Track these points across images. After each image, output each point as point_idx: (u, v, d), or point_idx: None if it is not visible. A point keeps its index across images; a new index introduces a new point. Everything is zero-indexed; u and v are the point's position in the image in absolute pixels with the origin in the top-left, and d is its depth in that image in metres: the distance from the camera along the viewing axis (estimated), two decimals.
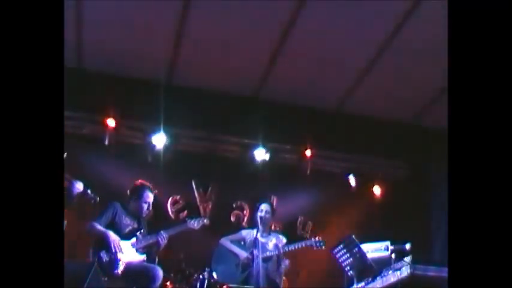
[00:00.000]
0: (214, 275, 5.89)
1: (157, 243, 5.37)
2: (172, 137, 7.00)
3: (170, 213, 7.17)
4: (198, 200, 7.31)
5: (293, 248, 5.90)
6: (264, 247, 5.94)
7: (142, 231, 5.44)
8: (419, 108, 7.34)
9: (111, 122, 6.76)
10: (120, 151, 6.89)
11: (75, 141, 6.20)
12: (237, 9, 5.83)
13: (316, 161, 7.55)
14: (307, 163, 7.48)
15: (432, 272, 4.33)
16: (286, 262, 5.99)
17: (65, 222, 4.05)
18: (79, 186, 4.87)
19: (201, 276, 5.82)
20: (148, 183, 5.64)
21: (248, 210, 7.32)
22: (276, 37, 6.22)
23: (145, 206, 5.55)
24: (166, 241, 5.37)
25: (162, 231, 5.40)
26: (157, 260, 5.48)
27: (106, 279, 4.99)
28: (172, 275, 5.77)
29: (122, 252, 5.18)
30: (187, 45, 6.37)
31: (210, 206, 7.31)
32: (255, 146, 7.21)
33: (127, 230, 5.38)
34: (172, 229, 5.54)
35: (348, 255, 4.97)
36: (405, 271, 4.34)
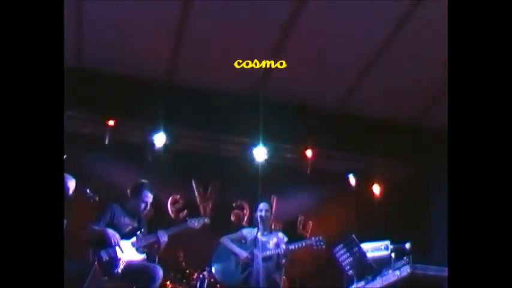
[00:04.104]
0: (214, 274, 5.90)
1: (157, 242, 5.35)
2: (172, 136, 7.01)
3: (170, 212, 7.18)
4: (198, 199, 7.32)
5: (293, 248, 5.89)
6: (265, 246, 5.93)
7: (142, 230, 5.42)
8: (419, 108, 7.33)
9: (111, 122, 6.77)
10: (120, 151, 6.89)
11: (75, 141, 6.19)
12: (237, 9, 5.83)
13: (316, 161, 7.54)
14: (307, 163, 7.48)
15: (432, 271, 4.33)
16: (286, 261, 5.98)
17: (65, 222, 4.04)
18: (72, 183, 4.86)
19: (201, 276, 5.83)
20: (147, 183, 5.63)
21: (248, 210, 7.32)
22: (276, 37, 6.22)
23: (142, 205, 5.50)
24: (166, 239, 5.35)
25: (160, 230, 5.38)
26: (157, 259, 5.47)
27: (106, 278, 4.99)
28: (172, 274, 5.77)
29: (121, 249, 5.15)
30: (187, 45, 6.38)
31: (210, 206, 7.31)
32: (255, 146, 7.21)
33: (127, 229, 5.35)
34: (173, 228, 5.54)
35: (348, 254, 4.97)
36: (405, 270, 4.34)
